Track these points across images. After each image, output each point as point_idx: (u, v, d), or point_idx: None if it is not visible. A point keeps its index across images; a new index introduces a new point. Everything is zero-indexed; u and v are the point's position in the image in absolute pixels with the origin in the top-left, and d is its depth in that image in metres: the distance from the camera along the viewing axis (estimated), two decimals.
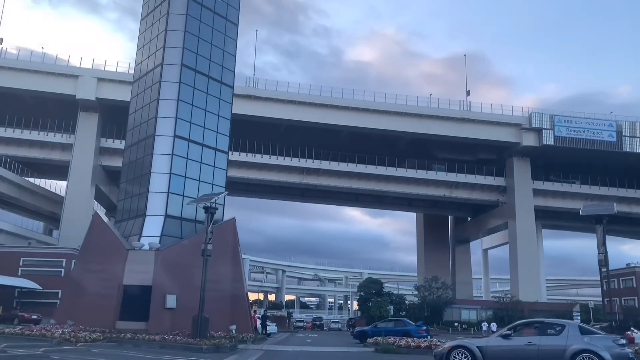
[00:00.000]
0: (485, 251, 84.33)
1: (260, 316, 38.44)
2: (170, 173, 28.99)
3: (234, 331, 26.93)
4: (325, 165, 67.45)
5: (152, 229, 28.21)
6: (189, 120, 30.07)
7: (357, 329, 36.55)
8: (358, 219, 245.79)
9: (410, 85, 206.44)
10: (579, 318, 56.56)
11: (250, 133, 65.18)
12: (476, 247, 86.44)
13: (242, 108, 62.97)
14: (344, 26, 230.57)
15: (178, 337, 22.55)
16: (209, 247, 23.41)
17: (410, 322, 31.95)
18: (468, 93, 68.60)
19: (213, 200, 23.64)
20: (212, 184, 30.67)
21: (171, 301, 26.90)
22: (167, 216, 28.81)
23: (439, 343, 21.77)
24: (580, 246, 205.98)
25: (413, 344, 22.18)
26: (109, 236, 28.41)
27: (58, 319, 27.65)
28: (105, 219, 29.86)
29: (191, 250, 26.80)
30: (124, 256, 27.18)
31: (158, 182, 28.73)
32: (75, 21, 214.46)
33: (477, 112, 67.66)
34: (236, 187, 70.61)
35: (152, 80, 30.56)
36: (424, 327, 30.39)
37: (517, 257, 67.71)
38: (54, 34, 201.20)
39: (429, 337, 29.10)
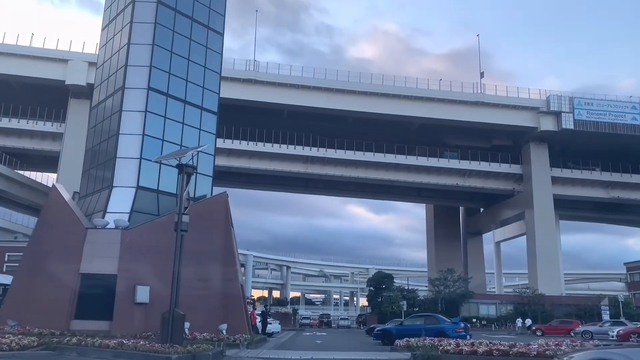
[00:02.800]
0: (497, 244, 77.03)
1: (260, 313, 31.32)
2: (144, 134, 22.00)
3: (224, 332, 20.06)
4: (330, 153, 60.41)
5: (119, 203, 21.24)
6: (168, 71, 23.02)
7: (377, 327, 29.22)
8: (362, 216, 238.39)
9: (413, 82, 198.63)
10: (608, 313, 49.74)
11: (250, 120, 58.47)
12: (486, 240, 79.21)
13: (242, 93, 56.57)
14: (346, 24, 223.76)
15: (140, 343, 15.53)
16: (185, 219, 16.47)
17: (444, 318, 24.72)
18: (482, 75, 61.67)
19: (190, 154, 16.64)
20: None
21: (142, 294, 19.97)
22: (139, 188, 21.79)
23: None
24: (584, 241, 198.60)
25: (466, 348, 15.10)
26: (66, 213, 21.43)
27: (1, 319, 20.73)
28: (65, 194, 22.82)
29: (170, 230, 19.77)
30: (82, 237, 20.22)
31: (128, 146, 21.74)
32: (78, 22, 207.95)
33: (492, 96, 60.53)
34: (236, 178, 63.82)
35: (123, 22, 23.59)
36: (462, 325, 23.12)
37: (535, 249, 60.47)
38: (55, 33, 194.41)
39: (468, 336, 22.08)
